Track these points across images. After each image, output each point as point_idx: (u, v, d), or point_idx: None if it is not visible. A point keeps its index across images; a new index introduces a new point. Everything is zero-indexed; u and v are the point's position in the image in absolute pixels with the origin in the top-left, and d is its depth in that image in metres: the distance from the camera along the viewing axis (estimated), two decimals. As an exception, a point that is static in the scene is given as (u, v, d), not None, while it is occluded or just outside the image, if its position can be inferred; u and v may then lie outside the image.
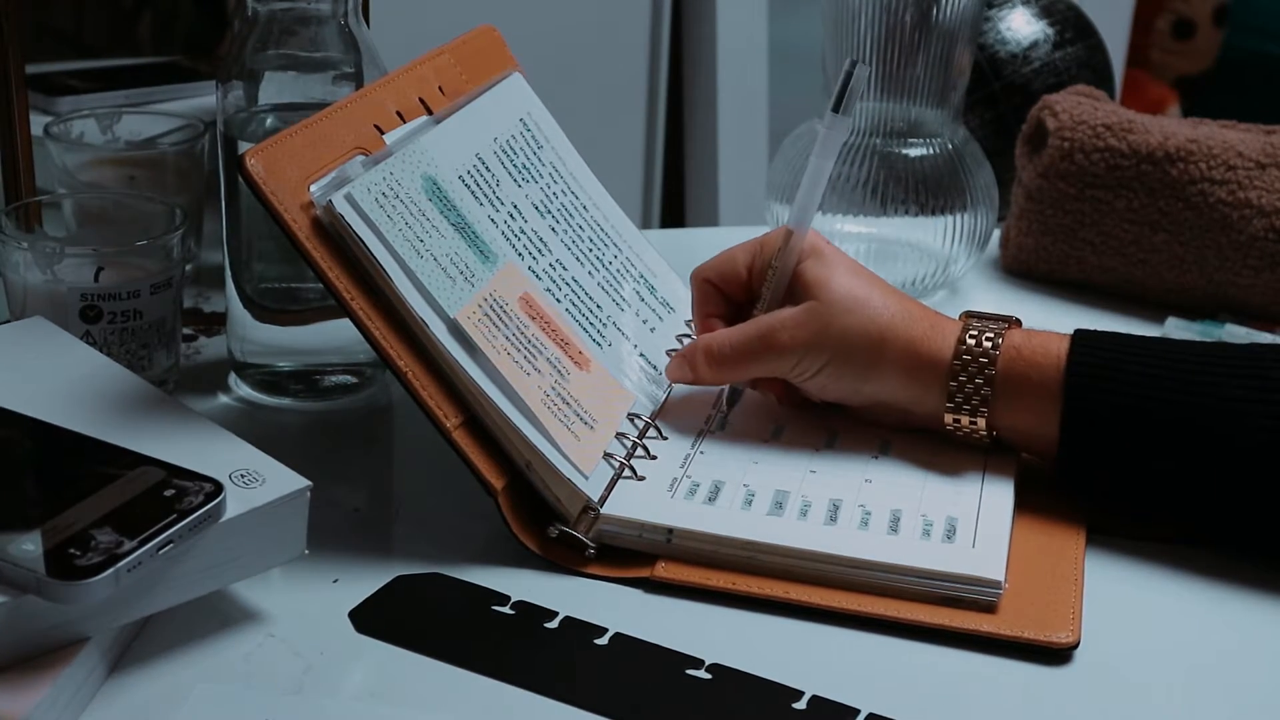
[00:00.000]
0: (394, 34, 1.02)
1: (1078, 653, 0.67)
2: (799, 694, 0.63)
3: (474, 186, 0.78)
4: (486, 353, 0.72)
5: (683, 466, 0.76)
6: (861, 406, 0.79)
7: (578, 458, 0.72)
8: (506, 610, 0.68)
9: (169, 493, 0.62)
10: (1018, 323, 0.78)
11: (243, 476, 0.65)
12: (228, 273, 0.85)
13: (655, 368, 0.83)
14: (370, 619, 0.67)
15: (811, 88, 1.10)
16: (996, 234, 1.10)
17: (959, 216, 1.01)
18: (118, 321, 0.81)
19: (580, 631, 0.67)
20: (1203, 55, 2.58)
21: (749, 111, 1.83)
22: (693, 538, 0.71)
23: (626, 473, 0.75)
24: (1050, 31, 1.17)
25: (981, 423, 0.76)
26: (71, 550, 0.59)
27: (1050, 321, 1.02)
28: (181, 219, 0.84)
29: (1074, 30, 1.18)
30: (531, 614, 0.68)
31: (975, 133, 1.08)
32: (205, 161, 1.00)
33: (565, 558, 0.71)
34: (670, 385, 0.83)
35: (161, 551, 0.59)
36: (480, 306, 0.74)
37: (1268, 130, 1.03)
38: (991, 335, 0.76)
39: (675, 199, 1.91)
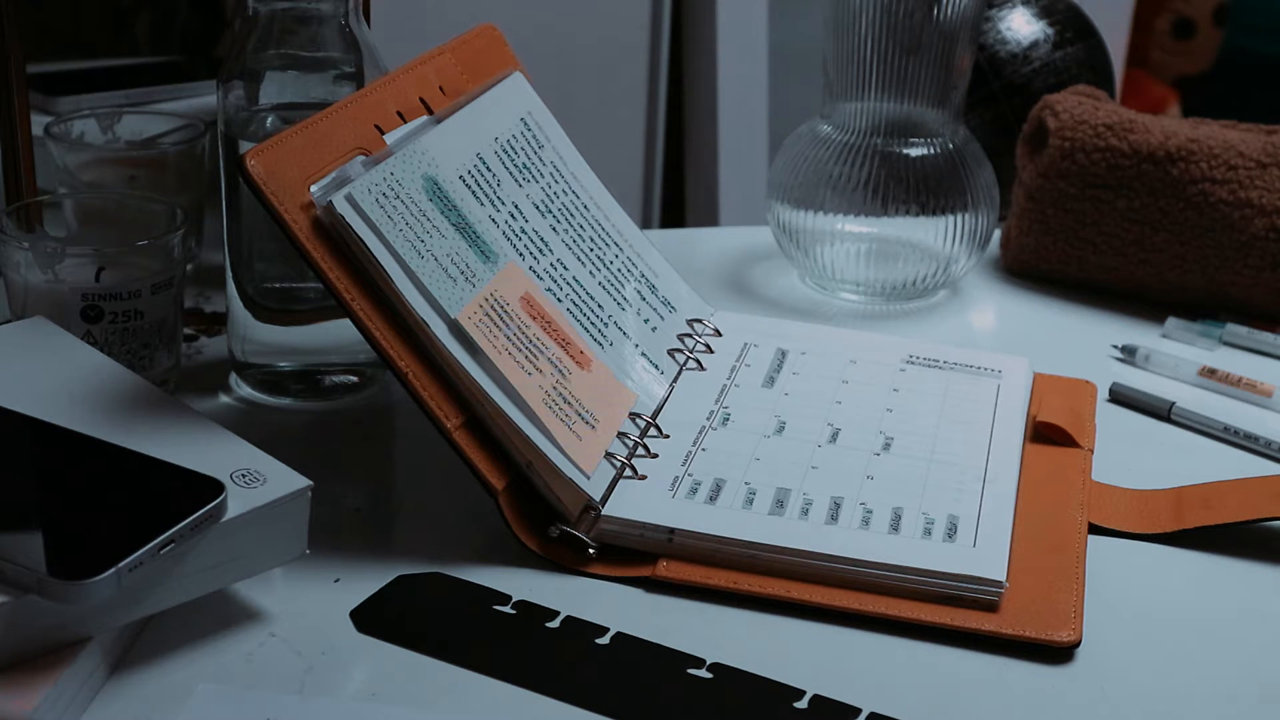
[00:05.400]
0: (394, 34, 1.02)
1: (1079, 652, 0.67)
2: (800, 693, 0.63)
3: (475, 186, 0.78)
4: (487, 353, 0.72)
5: (684, 464, 0.76)
6: None
7: (579, 457, 0.72)
8: (507, 610, 0.68)
9: (170, 492, 0.62)
10: None
11: (244, 476, 0.65)
12: (228, 272, 0.85)
13: (657, 367, 0.83)
14: (371, 619, 0.67)
15: (811, 88, 1.10)
16: (997, 234, 1.10)
17: (960, 216, 1.01)
18: (119, 321, 0.81)
19: (581, 631, 0.67)
20: (1203, 55, 2.58)
21: (749, 111, 1.83)
22: (694, 538, 0.71)
23: (628, 472, 0.75)
24: (1050, 31, 1.17)
25: None
26: (73, 550, 0.59)
27: (1051, 321, 1.03)
28: (182, 219, 0.84)
29: (1074, 30, 1.18)
30: (532, 614, 0.68)
31: (975, 133, 1.08)
32: (206, 161, 1.00)
33: (566, 557, 0.71)
34: (673, 383, 0.83)
35: (163, 551, 0.59)
36: (481, 307, 0.74)
37: (1268, 130, 1.03)
38: None
39: (675, 199, 1.90)
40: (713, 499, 0.74)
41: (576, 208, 0.85)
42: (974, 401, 0.85)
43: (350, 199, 0.71)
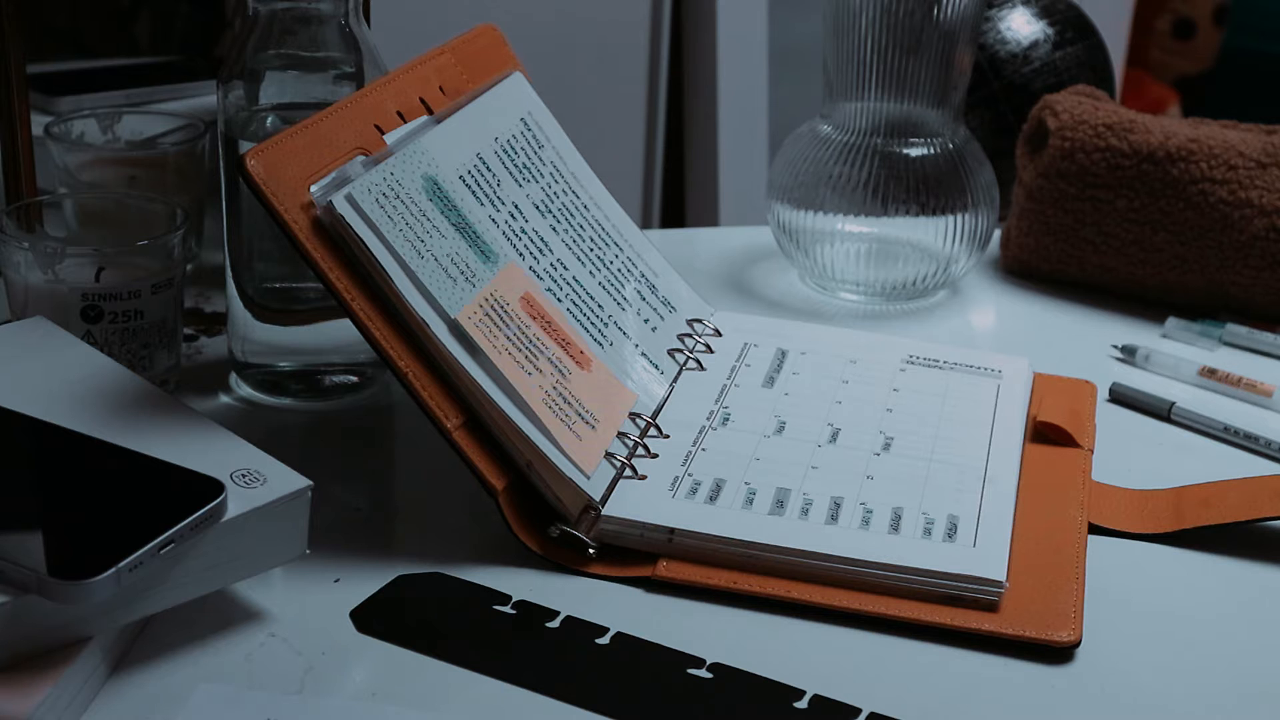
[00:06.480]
0: (394, 34, 1.02)
1: (1079, 651, 0.67)
2: (800, 693, 0.63)
3: (475, 186, 0.78)
4: (487, 353, 0.72)
5: (684, 465, 0.76)
6: None
7: (579, 457, 0.72)
8: (507, 610, 0.68)
9: (170, 492, 0.62)
10: None
11: (244, 476, 0.65)
12: (228, 272, 0.85)
13: (657, 367, 0.83)
14: (371, 619, 0.67)
15: (811, 88, 1.10)
16: (997, 234, 1.10)
17: (960, 216, 1.01)
18: (119, 321, 0.81)
19: (581, 631, 0.67)
20: (1203, 55, 2.58)
21: (749, 111, 1.83)
22: (694, 538, 0.71)
23: (628, 472, 0.75)
24: (1050, 31, 1.17)
25: None
26: (73, 550, 0.59)
27: (1050, 321, 1.03)
28: (182, 219, 0.84)
29: (1074, 30, 1.18)
30: (533, 614, 0.68)
31: (975, 133, 1.08)
32: (206, 161, 1.00)
33: (566, 557, 0.71)
34: (673, 383, 0.83)
35: (163, 551, 0.59)
36: (481, 307, 0.74)
37: (1268, 130, 1.03)
38: None
39: (675, 199, 1.90)
40: (713, 499, 0.74)
41: (576, 208, 0.85)
42: (974, 401, 0.85)
43: (350, 199, 0.71)
